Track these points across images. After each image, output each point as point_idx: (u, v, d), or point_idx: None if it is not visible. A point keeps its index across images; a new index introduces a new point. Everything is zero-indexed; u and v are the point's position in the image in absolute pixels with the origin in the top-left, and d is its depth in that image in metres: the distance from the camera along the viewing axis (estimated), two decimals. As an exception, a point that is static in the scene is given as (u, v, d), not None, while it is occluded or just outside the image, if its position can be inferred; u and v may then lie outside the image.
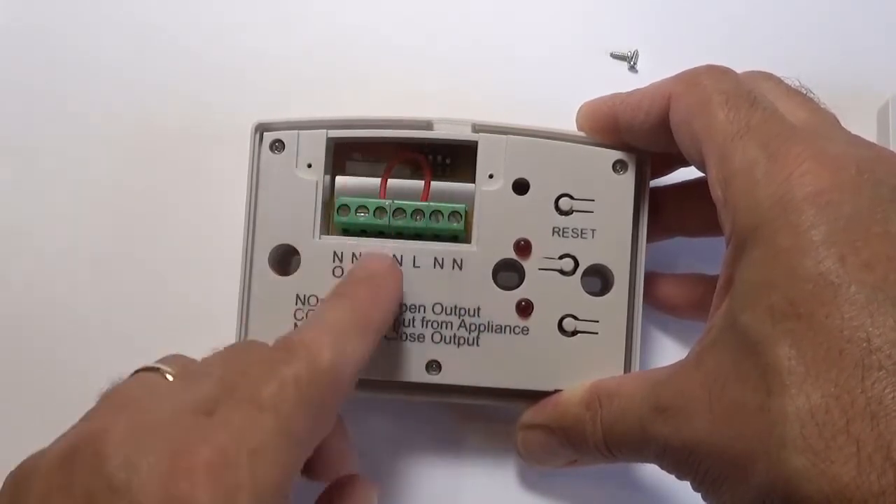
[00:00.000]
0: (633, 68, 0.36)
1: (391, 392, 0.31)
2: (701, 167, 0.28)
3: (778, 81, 0.29)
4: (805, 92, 0.29)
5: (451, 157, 0.32)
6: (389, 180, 0.32)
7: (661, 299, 0.33)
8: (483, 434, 0.33)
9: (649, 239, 0.31)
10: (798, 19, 0.36)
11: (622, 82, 0.33)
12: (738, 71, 0.29)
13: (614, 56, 0.36)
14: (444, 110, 0.32)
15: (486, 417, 0.33)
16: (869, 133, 0.34)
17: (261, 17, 0.36)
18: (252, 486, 0.22)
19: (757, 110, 0.26)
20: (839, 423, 0.21)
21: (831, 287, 0.22)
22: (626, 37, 0.36)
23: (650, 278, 0.33)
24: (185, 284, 0.34)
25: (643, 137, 0.30)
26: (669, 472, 0.26)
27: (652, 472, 0.32)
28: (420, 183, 0.32)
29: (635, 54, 0.36)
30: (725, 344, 0.24)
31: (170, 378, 0.26)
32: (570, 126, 0.32)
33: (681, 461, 0.25)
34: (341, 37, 0.36)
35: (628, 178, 0.31)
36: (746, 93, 0.27)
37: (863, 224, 0.23)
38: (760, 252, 0.24)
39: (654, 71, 0.34)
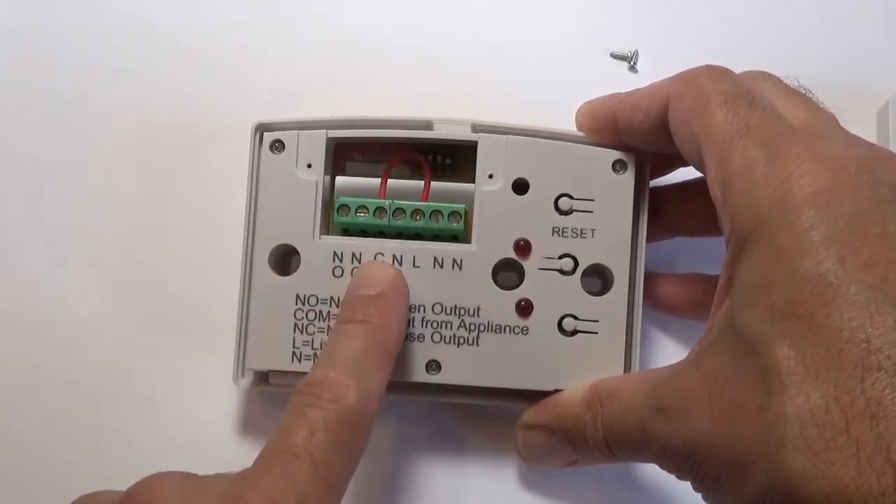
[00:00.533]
0: (633, 68, 0.36)
1: (391, 392, 0.31)
2: (700, 168, 0.28)
3: (777, 81, 0.29)
4: (804, 92, 0.29)
5: (451, 157, 0.32)
6: (389, 180, 0.32)
7: (660, 299, 0.33)
8: (483, 434, 0.33)
9: (649, 239, 0.31)
10: (798, 19, 0.36)
11: (622, 82, 0.33)
12: (738, 71, 0.29)
13: (614, 56, 0.36)
14: (444, 110, 0.32)
15: (486, 417, 0.33)
16: (869, 133, 0.34)
17: (261, 17, 0.36)
18: None
19: (756, 110, 0.26)
20: (839, 423, 0.21)
21: (831, 287, 0.22)
22: (626, 37, 0.36)
23: (650, 278, 0.33)
24: (185, 284, 0.34)
25: (642, 138, 0.30)
26: (670, 472, 0.26)
27: (652, 472, 0.32)
28: (420, 183, 0.32)
29: (635, 54, 0.36)
30: (725, 344, 0.24)
31: None
32: (570, 126, 0.32)
33: (681, 461, 0.25)
34: (341, 37, 0.36)
35: (628, 178, 0.31)
36: (745, 93, 0.27)
37: (862, 224, 0.23)
38: (760, 252, 0.24)
39: (654, 71, 0.33)
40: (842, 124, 0.28)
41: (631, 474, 0.33)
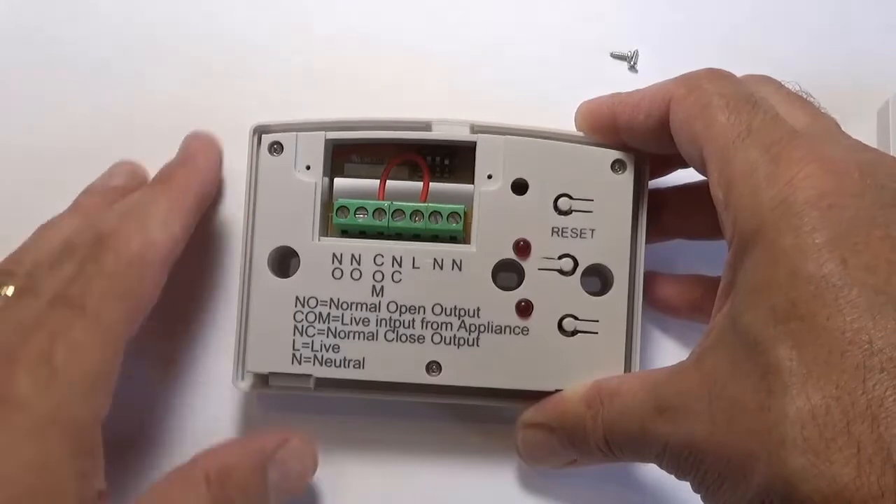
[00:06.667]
0: (633, 68, 0.36)
1: (391, 393, 0.31)
2: (701, 170, 0.28)
3: (778, 85, 0.29)
4: (805, 96, 0.29)
5: (450, 158, 0.32)
6: (388, 182, 0.32)
7: (660, 300, 0.33)
8: (483, 435, 0.33)
9: (650, 241, 0.31)
10: (798, 19, 0.36)
11: (622, 82, 0.33)
12: (739, 72, 0.29)
13: (614, 56, 0.36)
14: (444, 111, 0.32)
15: (485, 418, 0.33)
16: (869, 133, 0.34)
17: (258, 20, 0.36)
18: (67, 373, 0.26)
19: (758, 113, 0.26)
20: (840, 424, 0.21)
21: (833, 289, 0.22)
22: (626, 37, 0.36)
23: (650, 279, 0.33)
24: (184, 287, 0.34)
25: (642, 139, 0.30)
26: (669, 472, 0.26)
27: (652, 472, 0.32)
28: (418, 184, 0.32)
29: (635, 54, 0.36)
30: (726, 344, 0.25)
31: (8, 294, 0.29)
32: (570, 126, 0.32)
33: (680, 461, 0.25)
34: (339, 38, 0.36)
35: (627, 178, 0.31)
36: (747, 96, 0.27)
37: (865, 228, 0.23)
38: (762, 254, 0.24)
39: (654, 71, 0.33)
40: (842, 124, 0.28)
41: (631, 474, 0.33)
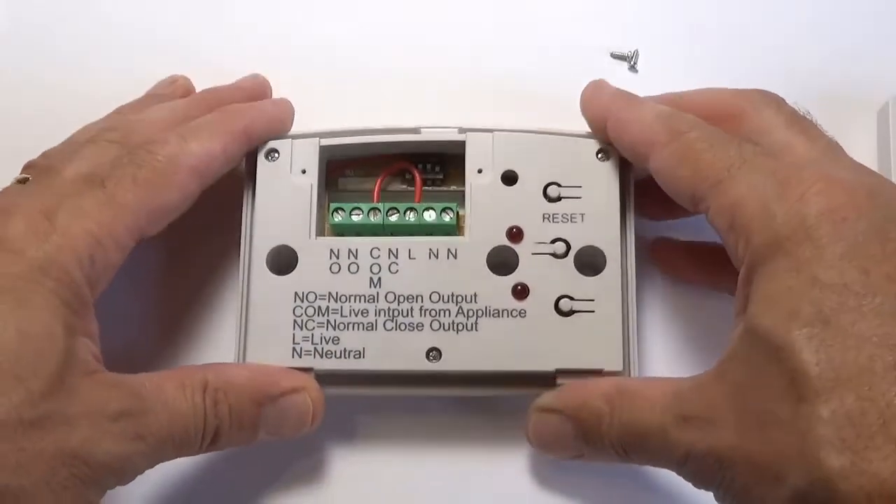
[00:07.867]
0: (633, 68, 0.36)
1: (394, 387, 0.31)
2: (689, 206, 0.28)
3: (778, 108, 0.29)
4: (805, 113, 0.29)
5: (441, 165, 0.33)
6: (382, 192, 0.33)
7: (671, 266, 0.34)
8: (487, 426, 0.33)
9: (660, 218, 0.32)
10: (798, 20, 0.37)
11: (622, 82, 0.33)
12: (738, 72, 0.30)
13: (614, 56, 0.37)
14: (442, 112, 0.33)
15: (489, 410, 0.33)
16: (869, 133, 0.35)
17: (250, 36, 0.37)
18: (65, 233, 0.26)
19: (745, 147, 0.27)
20: (876, 424, 0.22)
21: (856, 296, 0.23)
22: (626, 37, 0.36)
23: (661, 245, 0.33)
24: (184, 286, 0.34)
25: (626, 155, 0.31)
26: (688, 479, 0.26)
27: (660, 471, 0.31)
28: (411, 193, 0.33)
29: (635, 54, 0.36)
30: (747, 354, 0.25)
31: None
32: (570, 126, 0.32)
33: (705, 469, 0.25)
34: (328, 48, 0.37)
35: (612, 164, 0.31)
36: (727, 137, 0.28)
37: (878, 240, 0.24)
38: (780, 263, 0.25)
39: (654, 71, 0.35)
40: (842, 125, 0.29)
41: (640, 473, 0.32)
